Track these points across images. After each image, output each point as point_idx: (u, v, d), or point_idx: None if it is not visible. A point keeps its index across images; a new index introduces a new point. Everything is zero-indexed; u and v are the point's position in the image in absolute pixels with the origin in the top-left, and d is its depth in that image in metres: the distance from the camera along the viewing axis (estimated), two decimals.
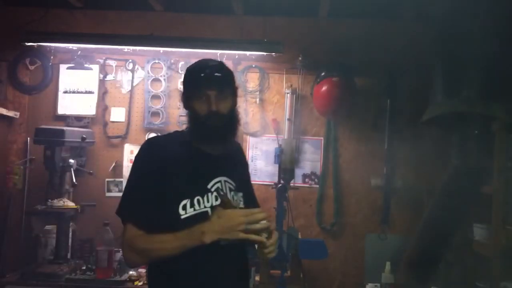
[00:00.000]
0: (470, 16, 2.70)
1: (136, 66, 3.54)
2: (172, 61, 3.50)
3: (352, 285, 3.40)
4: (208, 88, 1.68)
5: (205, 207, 1.65)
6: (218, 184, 1.72)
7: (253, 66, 3.50)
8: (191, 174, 1.68)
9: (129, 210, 1.67)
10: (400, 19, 3.38)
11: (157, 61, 3.51)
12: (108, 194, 3.48)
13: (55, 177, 3.13)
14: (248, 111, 3.50)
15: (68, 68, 3.53)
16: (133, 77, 3.53)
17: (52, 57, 3.51)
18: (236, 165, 1.86)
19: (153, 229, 1.60)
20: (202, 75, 1.69)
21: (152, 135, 3.49)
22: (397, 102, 3.33)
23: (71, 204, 3.13)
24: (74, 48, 3.44)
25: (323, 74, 3.28)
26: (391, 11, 3.35)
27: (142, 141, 3.41)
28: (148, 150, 1.76)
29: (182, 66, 3.50)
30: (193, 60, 3.44)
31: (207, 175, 1.71)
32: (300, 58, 3.38)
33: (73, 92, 3.52)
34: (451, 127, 2.82)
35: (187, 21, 3.48)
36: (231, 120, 1.75)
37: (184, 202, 1.63)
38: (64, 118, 3.51)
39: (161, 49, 3.42)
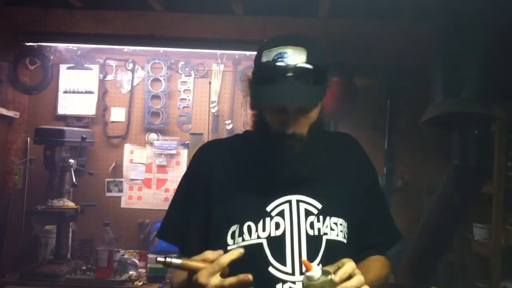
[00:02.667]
0: (470, 15, 2.70)
1: (136, 66, 3.53)
2: (172, 61, 3.50)
3: None
4: (281, 95, 1.17)
5: (258, 237, 1.21)
6: (284, 206, 1.23)
7: (253, 66, 3.49)
8: (245, 191, 1.26)
9: (170, 232, 1.35)
10: (400, 19, 3.38)
11: (157, 61, 3.51)
12: (108, 194, 3.48)
13: (55, 177, 3.12)
14: (248, 111, 3.49)
15: (68, 68, 3.52)
16: (133, 77, 3.53)
17: (52, 57, 3.50)
18: (329, 174, 1.29)
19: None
20: (273, 67, 1.19)
21: (152, 135, 3.50)
22: (397, 102, 3.33)
23: (71, 204, 3.13)
24: (74, 48, 3.44)
25: None
26: (391, 11, 3.34)
27: (142, 141, 3.51)
28: (198, 158, 1.37)
29: (182, 66, 3.50)
30: (193, 60, 3.53)
31: (267, 193, 1.24)
32: None
33: (73, 92, 3.52)
34: (451, 127, 2.82)
35: (187, 21, 3.48)
36: (313, 140, 1.24)
37: (233, 228, 1.23)
38: (64, 118, 3.51)
39: (161, 49, 3.42)
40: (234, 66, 3.48)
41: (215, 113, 3.46)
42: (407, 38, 3.30)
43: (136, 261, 3.08)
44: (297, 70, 1.17)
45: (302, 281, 1.07)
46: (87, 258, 3.15)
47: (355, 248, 1.28)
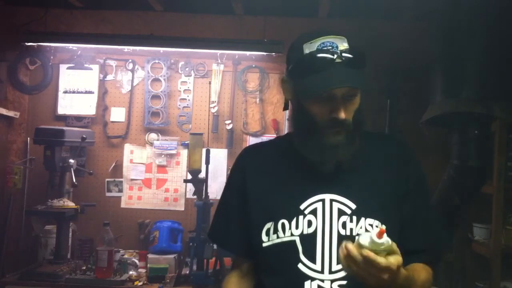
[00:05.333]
0: (470, 15, 2.70)
1: (136, 66, 3.53)
2: (172, 61, 3.50)
3: None
4: (335, 84, 1.17)
5: (291, 234, 1.23)
6: (317, 205, 1.24)
7: (253, 66, 3.50)
8: (280, 190, 1.29)
9: (218, 233, 1.43)
10: (400, 19, 3.38)
11: (157, 61, 3.51)
12: (108, 194, 3.48)
13: (55, 177, 3.13)
14: (248, 111, 3.50)
15: (68, 68, 3.52)
16: (133, 77, 3.53)
17: (52, 57, 3.50)
18: (368, 176, 1.28)
19: (245, 256, 1.37)
20: (319, 56, 1.19)
21: (152, 135, 3.50)
22: (397, 102, 3.33)
23: (71, 204, 3.13)
24: (74, 48, 3.44)
25: None
26: (391, 11, 3.34)
27: (142, 141, 3.52)
28: (234, 165, 1.44)
29: (182, 66, 3.50)
30: (193, 60, 3.53)
31: (302, 192, 1.26)
32: None
33: (73, 92, 3.52)
34: (451, 127, 2.82)
35: (187, 21, 3.48)
36: (358, 128, 1.25)
37: (268, 225, 1.27)
38: (64, 118, 3.51)
39: (161, 49, 3.42)
40: (234, 66, 3.48)
41: (215, 113, 3.46)
42: (407, 38, 3.30)
43: (136, 261, 3.08)
44: (343, 56, 1.19)
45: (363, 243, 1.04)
46: (87, 258, 3.15)
47: None
